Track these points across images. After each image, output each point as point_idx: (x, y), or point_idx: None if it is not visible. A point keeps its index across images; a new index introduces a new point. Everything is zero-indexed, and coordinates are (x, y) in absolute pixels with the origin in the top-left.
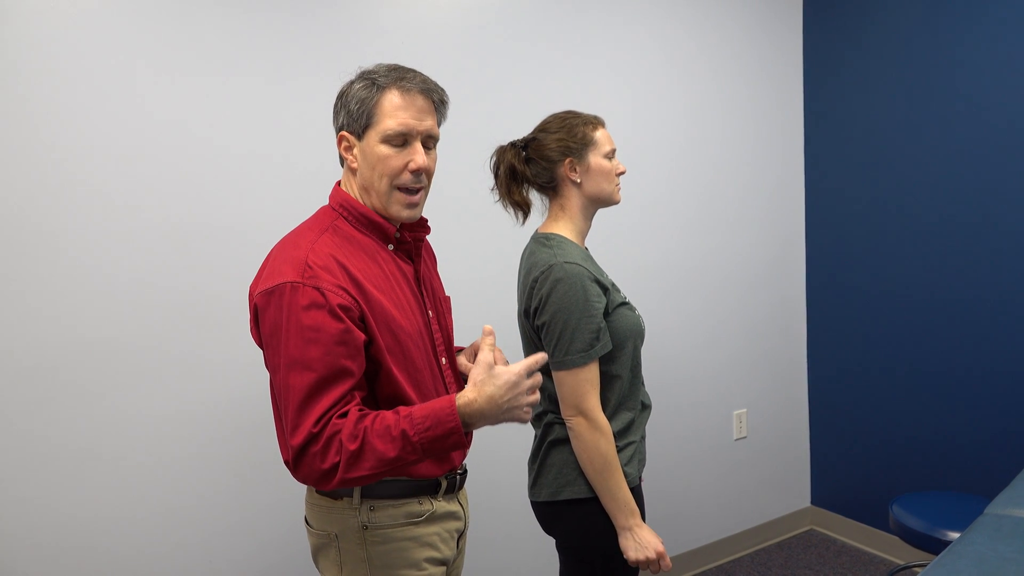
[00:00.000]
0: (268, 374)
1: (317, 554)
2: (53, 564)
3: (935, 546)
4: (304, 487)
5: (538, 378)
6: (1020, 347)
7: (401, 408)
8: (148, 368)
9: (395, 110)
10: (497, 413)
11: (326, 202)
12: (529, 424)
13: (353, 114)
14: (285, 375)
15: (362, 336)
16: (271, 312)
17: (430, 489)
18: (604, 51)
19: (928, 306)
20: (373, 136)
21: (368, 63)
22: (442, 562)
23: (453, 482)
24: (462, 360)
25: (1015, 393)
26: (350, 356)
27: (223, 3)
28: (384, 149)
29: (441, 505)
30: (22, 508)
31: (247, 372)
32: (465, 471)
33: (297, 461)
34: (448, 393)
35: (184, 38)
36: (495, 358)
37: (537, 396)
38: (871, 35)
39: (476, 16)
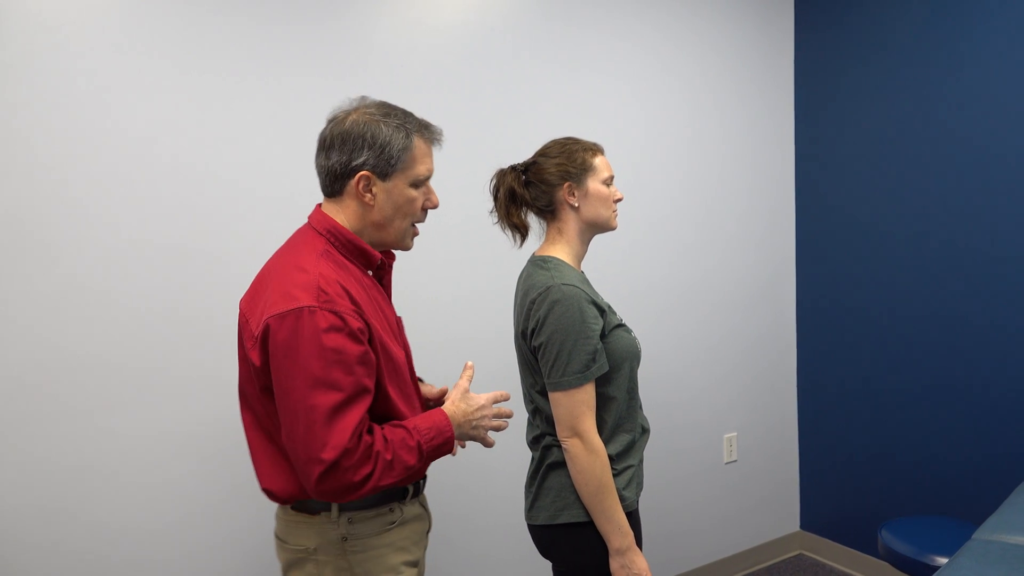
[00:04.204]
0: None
1: (290, 569)
2: None
3: (924, 571)
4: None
5: (505, 410)
6: (1008, 375)
7: (405, 422)
8: (138, 385)
9: (424, 156)
10: (466, 428)
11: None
12: (525, 446)
13: (390, 158)
14: (305, 394)
15: (374, 358)
16: (284, 334)
17: (399, 495)
18: (603, 75)
19: (917, 332)
20: (402, 179)
21: (357, 91)
22: (414, 563)
23: (418, 487)
24: (429, 389)
25: (1004, 419)
26: (369, 376)
27: (220, 14)
28: (412, 192)
29: (410, 510)
30: (13, 523)
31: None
32: (425, 476)
33: (325, 475)
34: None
35: (178, 53)
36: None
37: (503, 424)
38: (860, 65)
39: (475, 40)
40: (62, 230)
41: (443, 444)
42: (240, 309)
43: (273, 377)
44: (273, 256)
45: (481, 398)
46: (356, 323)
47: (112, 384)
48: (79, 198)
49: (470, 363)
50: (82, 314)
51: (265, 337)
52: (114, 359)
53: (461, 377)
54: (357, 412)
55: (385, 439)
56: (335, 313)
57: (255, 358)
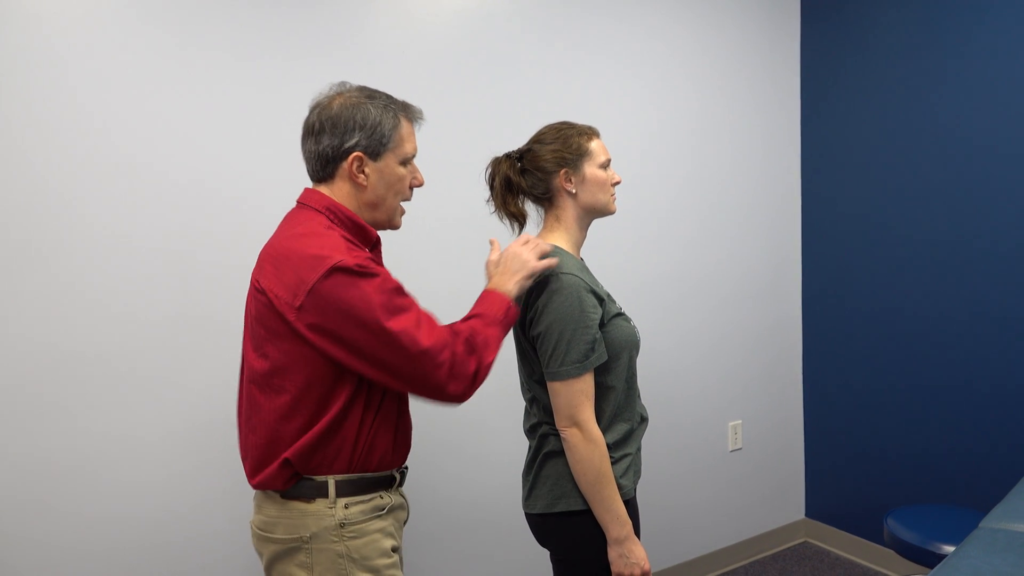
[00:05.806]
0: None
1: (276, 562)
2: None
3: (930, 559)
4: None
5: (539, 243)
6: (1014, 360)
7: (471, 312)
8: (131, 383)
9: (410, 135)
10: (519, 279)
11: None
12: (523, 435)
13: (381, 138)
14: (386, 327)
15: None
16: (337, 291)
17: (387, 483)
18: (610, 62)
19: (921, 320)
20: (392, 158)
21: (358, 79)
22: (396, 549)
23: (403, 476)
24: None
25: (1010, 406)
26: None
27: (213, 11)
28: (401, 170)
29: (394, 498)
30: (7, 522)
31: (233, 387)
32: (407, 467)
33: (450, 376)
34: None
35: (170, 49)
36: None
37: (545, 252)
38: (866, 57)
39: (478, 26)
40: (54, 229)
41: (510, 310)
42: (260, 286)
43: (341, 334)
44: (276, 236)
45: (510, 248)
46: (377, 268)
47: (104, 382)
48: (71, 197)
49: (494, 238)
50: (75, 313)
51: (311, 302)
52: (112, 358)
53: (492, 251)
54: (429, 315)
55: (469, 328)
56: (361, 262)
57: (302, 329)
